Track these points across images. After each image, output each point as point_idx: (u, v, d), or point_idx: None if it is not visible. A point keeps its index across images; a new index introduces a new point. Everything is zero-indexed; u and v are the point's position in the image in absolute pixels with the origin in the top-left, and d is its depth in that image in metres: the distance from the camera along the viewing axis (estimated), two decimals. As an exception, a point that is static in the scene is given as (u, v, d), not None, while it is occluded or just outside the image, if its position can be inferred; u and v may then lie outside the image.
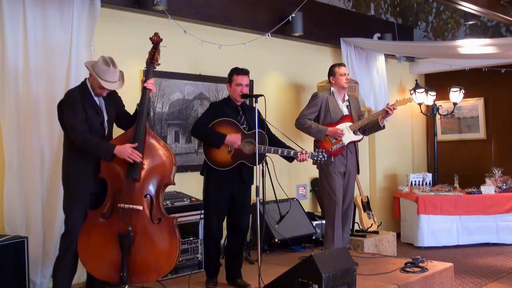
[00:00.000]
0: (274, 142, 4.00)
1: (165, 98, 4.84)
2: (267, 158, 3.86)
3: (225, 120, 3.87)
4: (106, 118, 3.49)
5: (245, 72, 3.95)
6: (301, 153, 3.93)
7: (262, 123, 3.86)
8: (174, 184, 3.55)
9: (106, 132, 3.51)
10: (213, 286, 3.95)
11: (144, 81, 3.58)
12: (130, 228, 3.32)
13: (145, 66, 3.66)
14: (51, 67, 3.96)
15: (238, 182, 3.90)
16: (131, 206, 3.35)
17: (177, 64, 4.93)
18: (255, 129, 3.73)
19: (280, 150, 3.90)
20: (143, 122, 3.47)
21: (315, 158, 4.01)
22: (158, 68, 4.77)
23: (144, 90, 3.57)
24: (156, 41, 3.64)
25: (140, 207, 3.38)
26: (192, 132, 3.98)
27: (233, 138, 3.80)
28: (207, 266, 4.01)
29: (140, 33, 4.65)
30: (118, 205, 3.35)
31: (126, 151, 3.33)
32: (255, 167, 3.74)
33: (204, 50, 4.93)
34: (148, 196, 3.44)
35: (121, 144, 3.37)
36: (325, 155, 4.03)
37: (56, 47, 3.99)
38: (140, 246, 3.36)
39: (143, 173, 3.43)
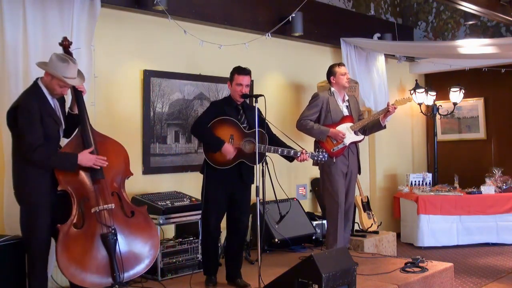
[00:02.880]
0: (275, 142, 4.01)
1: (165, 98, 4.84)
2: (267, 157, 3.86)
3: (225, 119, 3.87)
4: (63, 126, 3.38)
5: (246, 72, 3.95)
6: (302, 153, 3.94)
7: (263, 123, 3.86)
8: (132, 174, 3.57)
9: (60, 138, 3.42)
10: (213, 286, 3.94)
11: (73, 86, 3.43)
12: (113, 227, 3.31)
13: None
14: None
15: (238, 181, 3.90)
16: (104, 206, 3.33)
17: (177, 64, 4.93)
18: (255, 128, 3.73)
19: (280, 150, 3.90)
20: (88, 123, 3.41)
21: (316, 158, 4.01)
22: (158, 69, 4.81)
23: (77, 92, 3.44)
24: (67, 45, 3.49)
25: (113, 205, 3.37)
26: (192, 131, 3.98)
27: (229, 150, 3.79)
28: (205, 265, 4.02)
29: (140, 33, 4.66)
30: (92, 209, 3.30)
31: (90, 158, 3.27)
32: (255, 166, 3.74)
33: (204, 50, 4.93)
34: (115, 193, 3.46)
35: (74, 150, 3.30)
36: (326, 155, 4.03)
37: (56, 47, 3.94)
38: (123, 242, 3.36)
39: (105, 172, 3.40)
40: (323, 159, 4.02)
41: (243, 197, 3.97)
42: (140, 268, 3.43)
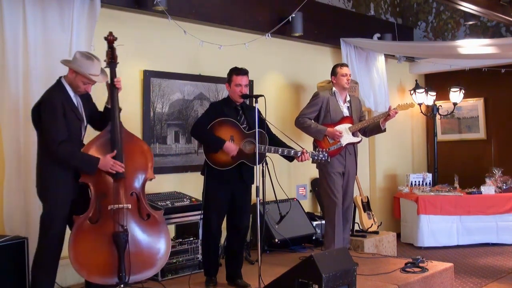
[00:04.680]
0: (275, 142, 4.01)
1: (165, 98, 4.85)
2: (267, 158, 3.86)
3: (225, 120, 3.88)
4: (85, 122, 3.44)
5: (244, 72, 3.96)
6: (302, 153, 3.94)
7: (262, 123, 3.87)
8: (154, 177, 3.57)
9: (83, 135, 3.46)
10: (213, 286, 3.95)
11: (110, 81, 3.50)
12: (125, 227, 3.32)
13: (106, 66, 3.53)
14: (51, 68, 3.95)
15: (238, 181, 3.91)
16: (121, 205, 3.34)
17: (177, 64, 4.94)
18: (255, 128, 3.74)
19: (280, 150, 3.91)
20: (117, 122, 3.44)
21: (316, 157, 4.02)
22: (158, 69, 4.82)
23: (113, 88, 3.49)
24: (111, 40, 3.54)
25: (129, 206, 3.38)
26: (192, 133, 3.98)
27: (231, 148, 3.79)
28: (206, 266, 4.02)
29: (140, 33, 4.67)
30: (108, 206, 3.33)
31: (107, 163, 3.30)
32: (255, 167, 3.75)
33: (204, 50, 4.93)
34: (134, 194, 3.45)
35: (98, 149, 3.35)
36: (326, 155, 4.04)
37: (56, 47, 3.98)
38: (134, 244, 3.36)
39: (127, 172, 3.41)
40: (323, 158, 4.03)
41: (244, 197, 3.97)
42: (147, 273, 3.42)
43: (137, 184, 3.48)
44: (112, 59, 3.52)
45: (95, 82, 3.40)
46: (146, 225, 3.44)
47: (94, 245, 3.30)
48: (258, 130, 3.73)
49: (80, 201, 3.35)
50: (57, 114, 3.23)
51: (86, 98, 3.50)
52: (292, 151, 3.94)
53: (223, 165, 3.83)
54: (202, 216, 3.94)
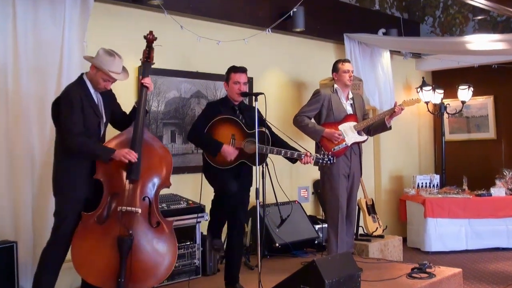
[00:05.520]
0: (277, 143, 4.02)
1: (161, 96, 4.84)
2: (267, 159, 3.86)
3: (226, 118, 3.89)
4: (104, 119, 3.50)
5: (242, 70, 3.99)
6: (306, 155, 3.93)
7: (263, 124, 3.88)
8: (171, 184, 3.58)
9: (102, 133, 3.52)
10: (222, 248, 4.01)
11: (141, 80, 3.62)
12: (130, 232, 3.33)
13: (141, 65, 3.68)
14: (42, 64, 3.96)
15: (236, 183, 3.90)
16: (131, 208, 3.36)
17: (173, 61, 4.93)
18: (255, 129, 3.74)
19: (283, 151, 3.91)
20: (142, 121, 3.49)
21: (320, 161, 4.01)
22: (154, 65, 4.80)
23: (142, 88, 3.60)
24: (151, 39, 3.66)
25: (139, 210, 3.39)
26: (189, 138, 4.03)
27: (229, 151, 3.80)
28: (212, 226, 4.01)
29: (134, 28, 4.65)
30: (118, 207, 3.36)
31: (122, 151, 3.36)
32: (254, 169, 3.75)
33: (201, 46, 4.93)
34: (147, 199, 3.46)
35: (117, 146, 3.41)
36: (331, 158, 4.02)
37: (47, 43, 3.99)
38: (138, 251, 3.36)
39: (142, 175, 3.44)
40: (329, 162, 4.02)
41: (241, 196, 3.97)
42: (147, 283, 3.41)
43: (151, 189, 3.49)
44: (148, 59, 3.65)
45: (115, 80, 3.46)
46: (154, 233, 3.44)
47: (96, 246, 3.33)
48: (258, 130, 3.74)
49: (94, 201, 3.39)
50: (74, 108, 3.31)
51: (109, 97, 3.58)
52: (296, 153, 3.94)
53: (224, 164, 3.85)
54: (199, 221, 3.94)
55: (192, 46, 4.93)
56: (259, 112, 3.81)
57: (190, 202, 4.45)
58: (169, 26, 4.67)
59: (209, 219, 4.07)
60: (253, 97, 3.82)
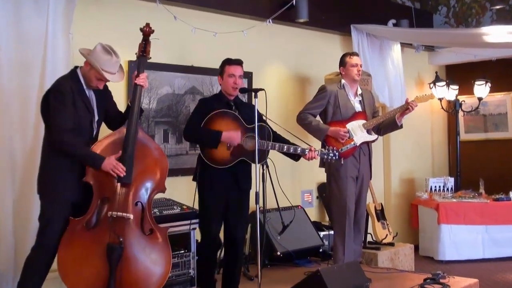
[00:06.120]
0: (278, 140, 4.04)
1: (153, 93, 4.84)
2: (267, 159, 3.86)
3: (224, 112, 3.91)
4: (96, 117, 3.49)
5: (238, 62, 4.02)
6: (310, 150, 3.94)
7: (262, 120, 3.90)
8: (166, 189, 3.58)
9: (94, 133, 3.52)
10: None
11: (136, 76, 3.61)
12: (121, 239, 3.32)
13: (136, 59, 3.67)
14: (24, 58, 3.95)
15: (233, 187, 3.92)
16: (122, 214, 3.35)
17: (166, 55, 4.93)
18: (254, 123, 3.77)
19: (286, 147, 3.92)
20: (135, 122, 3.49)
21: (325, 156, 4.02)
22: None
23: (136, 85, 3.58)
24: (148, 32, 3.66)
25: (131, 216, 3.38)
26: (185, 137, 4.06)
27: (231, 135, 3.82)
28: (200, 282, 4.02)
29: (124, 19, 4.66)
30: (108, 213, 3.35)
31: (109, 163, 3.34)
32: (253, 170, 3.75)
33: (196, 39, 4.93)
34: (139, 204, 3.45)
35: (108, 148, 3.41)
36: (337, 154, 4.04)
37: (30, 35, 3.98)
38: (129, 260, 3.35)
39: (135, 178, 3.43)
40: (334, 157, 4.02)
41: (239, 205, 3.98)
42: None
43: (145, 193, 3.49)
44: (143, 53, 3.65)
45: (108, 80, 3.45)
46: (146, 241, 3.43)
47: (85, 254, 3.32)
48: (258, 124, 3.76)
49: (83, 205, 3.38)
50: (65, 102, 3.30)
51: (104, 94, 3.57)
52: (299, 149, 3.96)
53: (222, 163, 3.85)
54: (194, 227, 3.95)
55: (187, 38, 4.93)
56: (254, 106, 3.84)
57: (185, 207, 4.44)
58: (161, 17, 4.66)
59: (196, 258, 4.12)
60: (253, 93, 3.83)
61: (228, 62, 4.03)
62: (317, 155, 3.99)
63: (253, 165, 3.84)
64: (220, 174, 3.86)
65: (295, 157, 4.04)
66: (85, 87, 3.44)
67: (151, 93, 4.83)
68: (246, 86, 5.33)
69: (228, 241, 4.03)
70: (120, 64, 3.54)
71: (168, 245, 3.49)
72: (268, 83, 5.56)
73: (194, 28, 4.79)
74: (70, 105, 3.31)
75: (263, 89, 3.79)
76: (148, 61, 4.77)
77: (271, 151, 3.94)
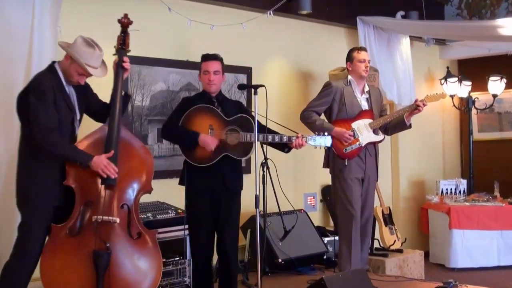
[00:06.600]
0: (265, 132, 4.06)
1: (146, 90, 4.85)
2: (268, 160, 3.87)
3: (200, 107, 3.96)
4: (78, 115, 3.49)
5: (212, 57, 4.06)
6: (297, 137, 3.94)
7: (245, 112, 4.02)
8: (152, 190, 3.59)
9: (76, 132, 3.52)
10: None
11: (116, 69, 3.60)
12: (108, 245, 3.32)
13: (115, 52, 3.65)
14: (8, 52, 3.96)
15: (220, 188, 3.95)
16: (108, 218, 3.35)
17: (160, 49, 4.94)
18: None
19: (270, 137, 3.93)
20: (117, 116, 3.48)
21: (314, 142, 3.98)
22: (137, 54, 4.79)
23: (119, 70, 3.57)
24: (126, 23, 3.65)
25: (117, 220, 3.39)
26: (162, 135, 4.13)
27: (207, 141, 3.86)
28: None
29: (115, 11, 4.64)
30: (93, 217, 3.35)
31: (100, 163, 3.34)
32: (253, 171, 3.76)
33: (192, 32, 4.93)
34: (126, 206, 3.46)
35: (91, 147, 3.41)
36: (328, 138, 3.98)
37: (14, 28, 3.98)
38: (117, 267, 3.35)
39: (120, 179, 3.43)
40: (324, 141, 3.97)
41: (227, 207, 4.00)
42: None
43: (131, 195, 3.49)
44: (123, 46, 3.63)
45: (90, 75, 3.43)
46: (134, 246, 3.43)
47: (69, 262, 3.31)
48: (238, 116, 3.88)
49: (66, 210, 3.37)
50: (46, 100, 3.27)
51: (84, 89, 3.55)
52: (285, 137, 3.95)
53: (205, 160, 3.90)
54: (188, 233, 3.98)
55: (182, 31, 4.94)
56: (241, 103, 4.02)
57: (180, 211, 4.44)
58: (155, 9, 4.67)
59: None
60: (252, 90, 3.84)
61: (202, 58, 4.10)
62: (305, 142, 3.98)
63: (252, 166, 3.85)
64: (206, 174, 3.90)
65: (284, 148, 4.04)
66: (64, 83, 3.41)
67: (144, 89, 4.84)
68: (245, 82, 5.35)
69: (217, 248, 4.06)
70: (103, 59, 3.51)
71: (158, 249, 3.50)
72: (268, 79, 5.56)
73: (190, 21, 4.79)
74: (51, 104, 3.29)
75: (263, 86, 3.80)
76: (142, 55, 4.82)
77: (271, 152, 3.95)
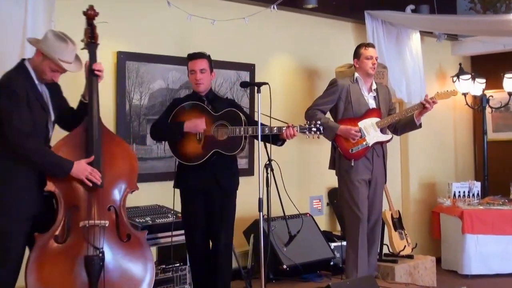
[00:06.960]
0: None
1: (144, 87, 4.86)
2: (273, 161, 3.88)
3: (186, 105, 4.04)
4: (52, 117, 3.45)
5: (197, 55, 4.10)
6: (287, 127, 3.93)
7: (233, 106, 4.09)
8: (137, 188, 3.60)
9: (50, 135, 3.48)
10: None
11: (89, 66, 3.54)
12: (101, 249, 3.32)
13: (84, 46, 3.59)
14: (1, 48, 3.97)
15: (214, 187, 3.99)
16: (96, 222, 3.35)
17: (159, 45, 4.95)
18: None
19: (260, 129, 3.91)
20: (96, 119, 3.46)
21: (306, 131, 3.97)
22: (134, 50, 4.83)
23: (92, 77, 3.52)
24: (92, 15, 3.60)
25: (107, 223, 3.39)
26: (151, 135, 4.19)
27: (194, 121, 3.93)
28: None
29: (112, 6, 4.67)
30: (80, 222, 3.34)
31: (83, 169, 3.32)
32: (256, 173, 3.77)
33: (192, 27, 4.94)
34: (113, 208, 3.47)
35: (70, 151, 3.37)
36: (320, 128, 3.96)
37: (7, 23, 4.00)
38: (110, 271, 3.36)
39: (105, 180, 3.43)
40: (318, 132, 3.94)
41: (221, 208, 4.03)
42: None
43: (117, 196, 3.50)
44: (91, 39, 3.57)
45: (65, 71, 3.40)
46: (125, 248, 3.45)
47: (60, 271, 3.30)
48: (227, 110, 3.97)
49: (46, 216, 3.35)
50: (19, 102, 3.23)
51: (54, 89, 3.52)
52: (275, 128, 3.95)
53: (195, 158, 3.94)
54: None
55: (182, 26, 4.94)
56: (233, 101, 4.15)
57: (179, 214, 4.45)
58: (154, 3, 4.68)
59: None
60: (255, 88, 3.85)
61: (187, 57, 4.15)
62: (297, 131, 3.97)
63: (256, 167, 3.86)
64: (199, 174, 3.94)
65: (276, 141, 4.03)
66: (36, 82, 3.36)
67: (142, 87, 4.85)
68: (248, 80, 5.36)
69: (212, 248, 4.11)
70: (76, 53, 3.46)
71: (149, 250, 3.53)
72: (272, 76, 5.57)
73: (190, 16, 4.80)
74: (25, 106, 3.23)
75: (266, 83, 3.81)
76: (140, 51, 4.84)
77: (275, 153, 3.95)
